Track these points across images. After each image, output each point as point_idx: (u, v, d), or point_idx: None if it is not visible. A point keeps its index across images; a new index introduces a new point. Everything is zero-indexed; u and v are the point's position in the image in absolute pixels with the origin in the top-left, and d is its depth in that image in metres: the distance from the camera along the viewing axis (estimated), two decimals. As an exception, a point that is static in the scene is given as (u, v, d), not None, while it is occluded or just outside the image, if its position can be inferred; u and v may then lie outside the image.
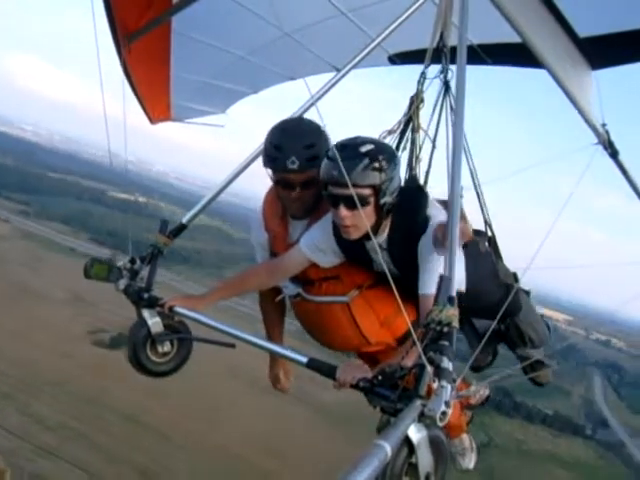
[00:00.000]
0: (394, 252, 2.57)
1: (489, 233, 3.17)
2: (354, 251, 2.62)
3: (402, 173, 3.30)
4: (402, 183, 2.59)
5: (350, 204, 2.30)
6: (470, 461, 3.26)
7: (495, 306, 2.59)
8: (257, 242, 3.12)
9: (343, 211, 2.35)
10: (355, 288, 2.80)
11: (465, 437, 3.29)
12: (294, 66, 4.42)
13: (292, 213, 2.86)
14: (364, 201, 2.33)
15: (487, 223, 3.00)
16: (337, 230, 2.58)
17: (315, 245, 2.69)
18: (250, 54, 4.23)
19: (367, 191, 2.32)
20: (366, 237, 2.44)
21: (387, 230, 2.53)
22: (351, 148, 2.34)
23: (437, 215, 2.43)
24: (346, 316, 2.83)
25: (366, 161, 2.28)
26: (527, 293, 2.95)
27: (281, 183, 2.71)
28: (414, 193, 2.59)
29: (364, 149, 2.32)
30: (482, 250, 2.84)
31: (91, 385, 50.44)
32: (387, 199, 2.38)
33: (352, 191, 2.18)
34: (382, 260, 2.37)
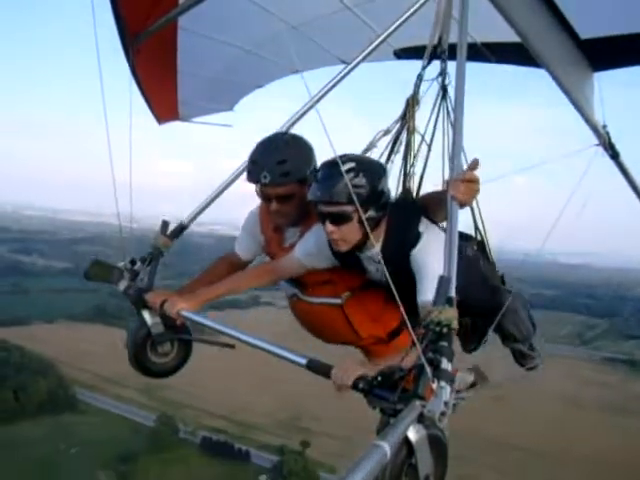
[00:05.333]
0: (387, 263, 2.58)
1: (479, 237, 3.20)
2: (349, 260, 2.74)
3: (398, 175, 3.34)
4: (396, 194, 2.64)
5: (335, 220, 2.50)
6: None
7: (481, 306, 2.80)
8: (248, 234, 3.23)
9: (329, 226, 2.52)
10: (348, 290, 2.94)
11: None
12: (300, 59, 4.50)
13: (276, 224, 3.00)
14: (347, 217, 2.48)
15: (476, 226, 3.04)
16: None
17: (309, 253, 2.84)
18: (257, 47, 4.29)
19: (349, 207, 2.43)
20: (357, 249, 2.61)
21: (381, 242, 2.63)
22: (333, 167, 2.44)
23: (428, 233, 2.53)
24: (340, 316, 2.96)
25: (345, 179, 2.36)
26: (511, 293, 3.01)
27: (260, 195, 2.89)
28: (407, 208, 2.72)
29: (345, 167, 2.41)
30: (470, 255, 2.94)
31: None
32: (371, 214, 2.49)
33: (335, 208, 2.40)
34: (374, 270, 2.55)
